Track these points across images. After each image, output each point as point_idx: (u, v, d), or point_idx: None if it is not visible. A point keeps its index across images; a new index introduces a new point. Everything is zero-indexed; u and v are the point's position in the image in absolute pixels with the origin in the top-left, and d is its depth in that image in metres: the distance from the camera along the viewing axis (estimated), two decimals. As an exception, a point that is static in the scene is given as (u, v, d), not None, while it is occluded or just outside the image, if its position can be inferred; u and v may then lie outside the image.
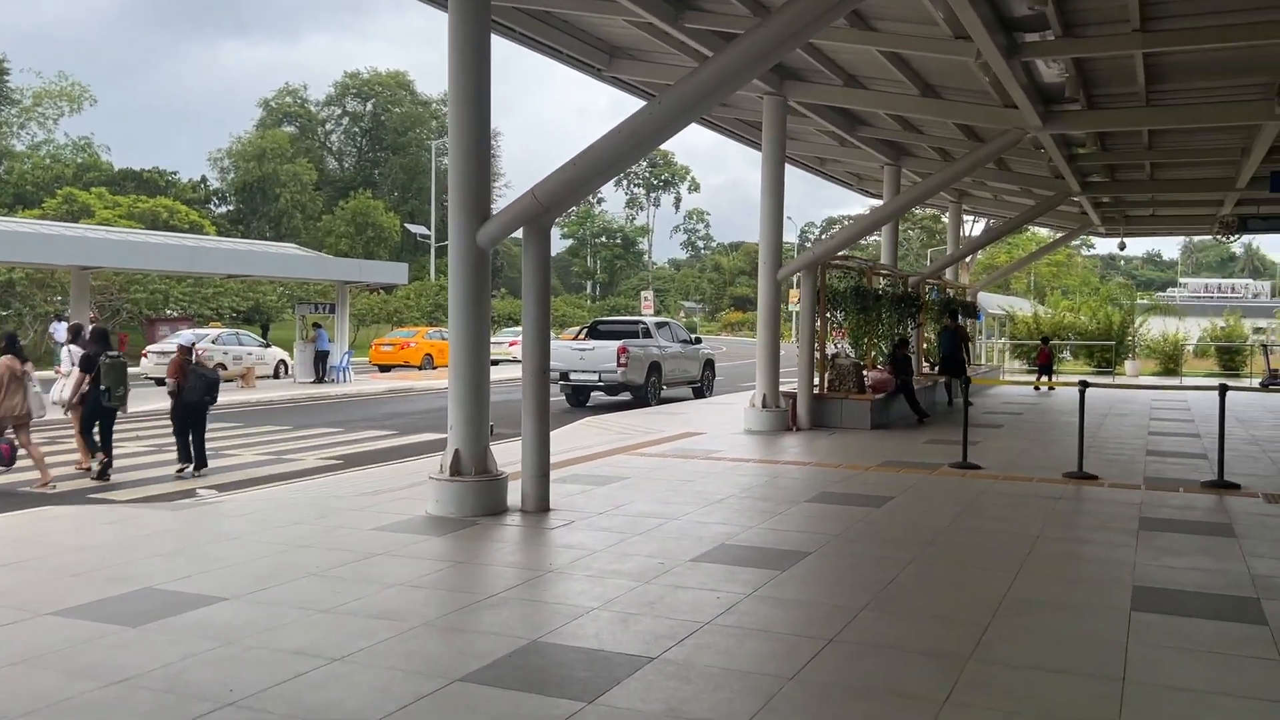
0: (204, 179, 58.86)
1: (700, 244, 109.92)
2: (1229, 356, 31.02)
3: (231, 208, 59.91)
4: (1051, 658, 4.69)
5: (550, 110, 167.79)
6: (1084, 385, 10.41)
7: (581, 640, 4.90)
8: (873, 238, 37.68)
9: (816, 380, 14.83)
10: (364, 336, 42.68)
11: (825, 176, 24.29)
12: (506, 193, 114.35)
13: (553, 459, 10.81)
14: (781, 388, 14.45)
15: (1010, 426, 14.96)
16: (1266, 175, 16.40)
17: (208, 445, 11.62)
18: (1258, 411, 17.57)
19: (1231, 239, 21.18)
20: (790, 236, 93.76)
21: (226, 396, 21.28)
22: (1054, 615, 5.36)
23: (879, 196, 29.02)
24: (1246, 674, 4.51)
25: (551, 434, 14.69)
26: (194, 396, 11.19)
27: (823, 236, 78.34)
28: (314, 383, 25.20)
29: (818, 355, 14.79)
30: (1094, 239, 44.32)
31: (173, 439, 11.50)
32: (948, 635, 5.01)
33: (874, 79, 13.61)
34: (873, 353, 17.03)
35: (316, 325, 25.86)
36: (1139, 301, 36.56)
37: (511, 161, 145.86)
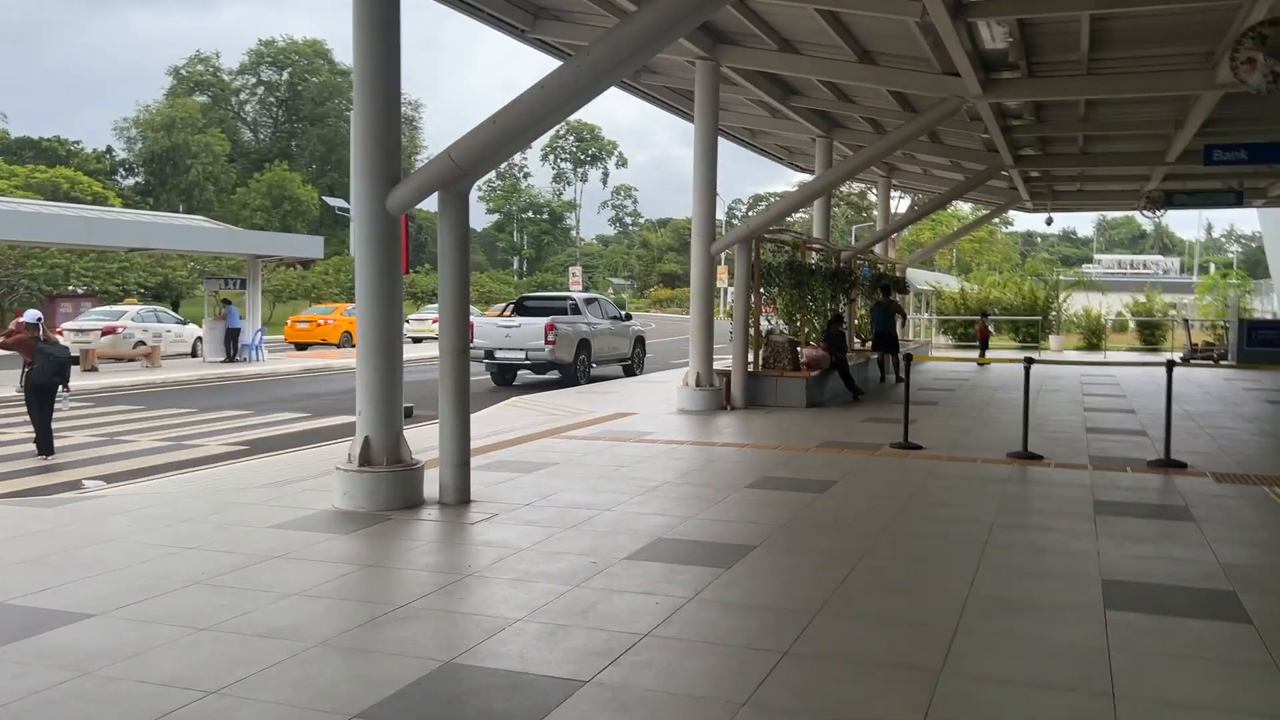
0: (109, 149, 56.13)
1: (628, 220, 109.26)
2: (1149, 331, 31.52)
3: (140, 180, 57.25)
4: (1030, 669, 4.20)
5: (476, 84, 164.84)
6: (1029, 362, 10.06)
7: (503, 660, 4.27)
8: (801, 214, 37.47)
9: (751, 358, 14.35)
10: (281, 314, 41.15)
11: (756, 149, 23.81)
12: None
13: (475, 444, 10.13)
14: (715, 365, 13.93)
15: (946, 404, 14.68)
16: (1198, 149, 16.34)
17: (87, 428, 10.65)
18: (1185, 386, 17.64)
19: (1158, 214, 21.31)
20: (718, 214, 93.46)
21: (130, 377, 20.09)
22: (1024, 617, 4.90)
23: (809, 171, 28.74)
24: (1248, 685, 4.08)
25: (475, 416, 14.00)
26: (43, 378, 10.28)
27: (749, 214, 78.20)
28: (224, 362, 23.99)
29: (752, 332, 14.30)
30: (1013, 215, 44.92)
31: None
32: (914, 644, 4.50)
33: (810, 44, 13.08)
34: (806, 329, 16.63)
35: (226, 302, 24.60)
36: (1063, 277, 37.04)
37: (436, 136, 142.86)
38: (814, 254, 17.77)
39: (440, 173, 7.07)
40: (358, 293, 7.38)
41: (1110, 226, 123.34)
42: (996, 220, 50.56)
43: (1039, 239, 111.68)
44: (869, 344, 18.85)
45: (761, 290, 14.75)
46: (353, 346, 31.26)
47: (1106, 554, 6.09)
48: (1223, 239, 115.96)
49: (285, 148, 71.68)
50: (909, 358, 10.72)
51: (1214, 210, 24.19)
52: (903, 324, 18.68)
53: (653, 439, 10.87)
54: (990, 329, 25.28)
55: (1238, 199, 20.82)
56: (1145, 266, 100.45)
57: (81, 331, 22.80)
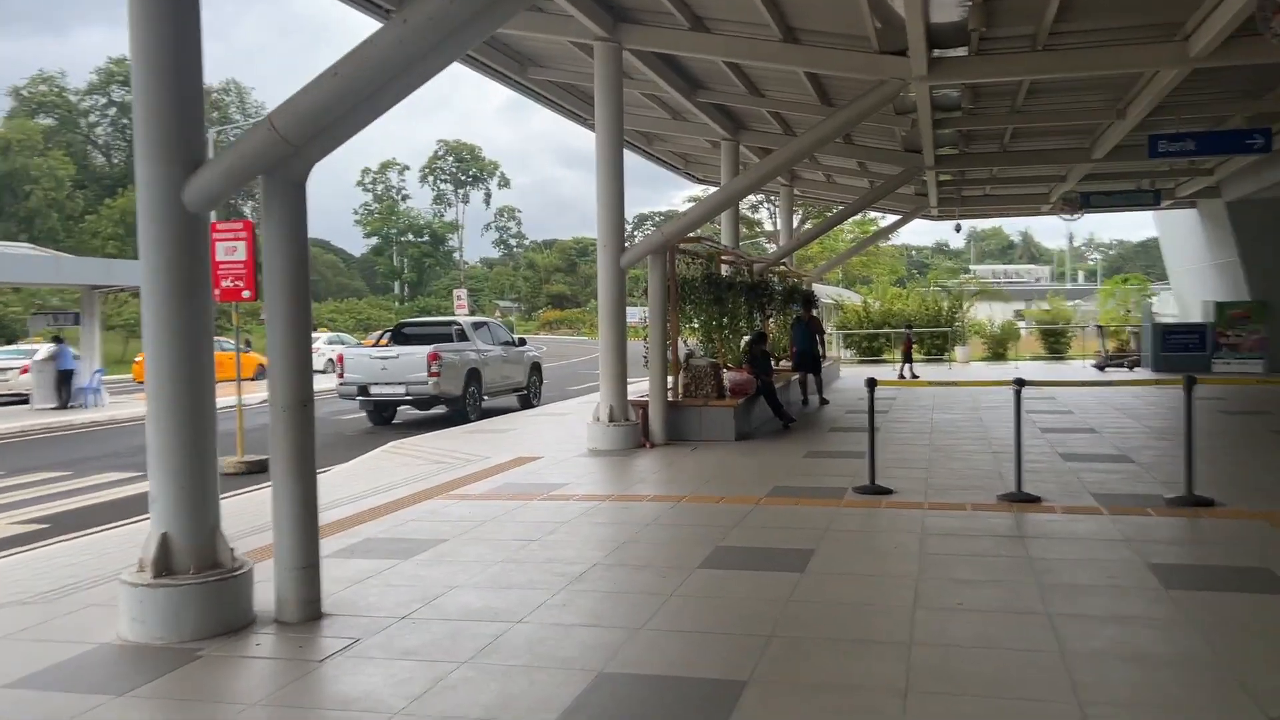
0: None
1: (512, 242, 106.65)
2: (1054, 339, 30.94)
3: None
4: None
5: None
6: (1020, 384, 8.39)
7: None
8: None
9: (670, 385, 12.43)
10: (135, 349, 37.38)
11: (651, 157, 22.04)
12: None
13: (339, 512, 7.89)
14: (629, 396, 11.97)
15: (887, 430, 13.01)
16: (1133, 144, 15.27)
17: None
18: (1125, 398, 16.51)
19: (1074, 217, 20.39)
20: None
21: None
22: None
23: (706, 181, 27.22)
24: None
25: (342, 469, 11.65)
26: None
27: (635, 234, 76.64)
28: (56, 409, 20.81)
29: (670, 356, 12.38)
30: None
31: None
32: None
33: (726, 21, 11.31)
34: (723, 351, 14.83)
35: (57, 339, 21.42)
36: (966, 287, 36.47)
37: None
38: (726, 266, 16.04)
39: (260, 149, 4.90)
40: (144, 325, 5.12)
41: (980, 237, 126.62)
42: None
43: (912, 252, 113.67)
44: (789, 364, 17.17)
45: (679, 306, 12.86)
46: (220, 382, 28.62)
47: (1258, 678, 4.32)
48: (1083, 247, 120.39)
49: (141, 171, 66.76)
50: (871, 381, 8.94)
51: (1127, 211, 23.60)
52: (822, 340, 17.06)
53: (565, 493, 8.80)
54: (913, 341, 24.13)
55: (1155, 199, 20.05)
56: (1019, 276, 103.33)
57: None
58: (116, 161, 69.20)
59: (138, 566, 5.08)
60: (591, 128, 17.85)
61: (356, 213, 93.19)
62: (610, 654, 4.58)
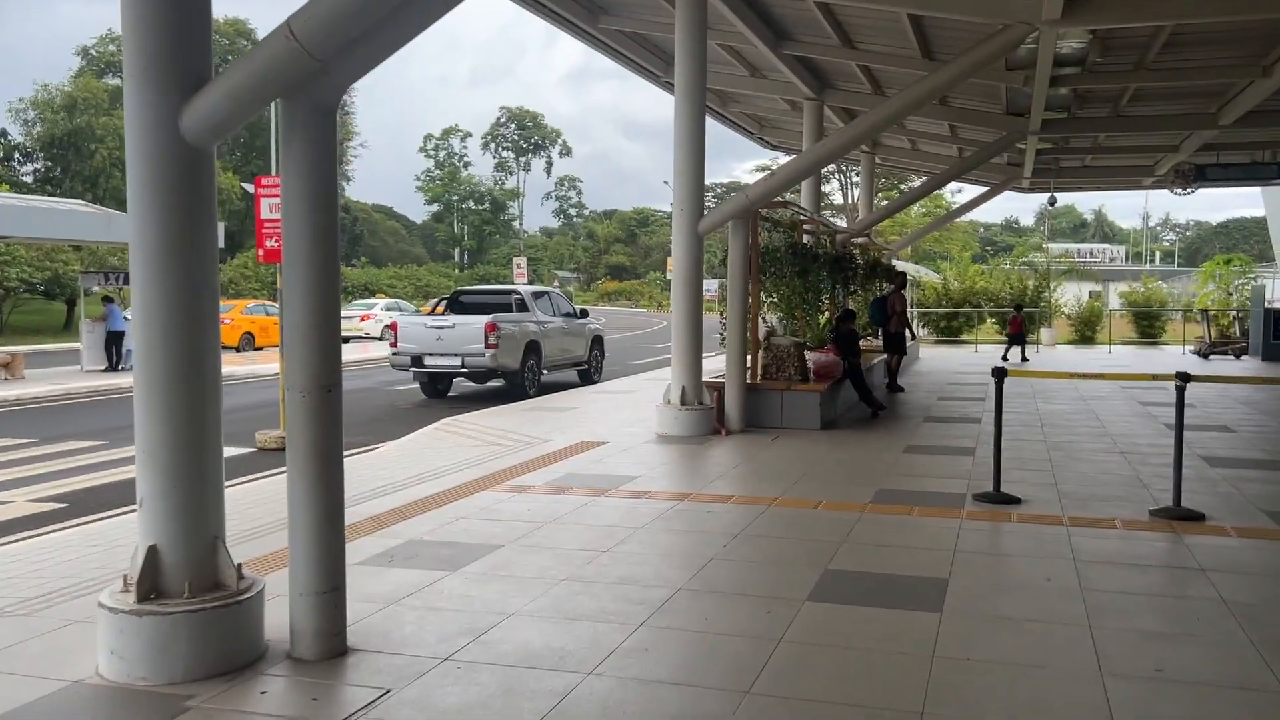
0: (4, 132, 51.15)
1: (572, 212, 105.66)
2: (1147, 323, 29.02)
3: (39, 166, 52.33)
4: None
5: (415, 80, 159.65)
6: (1184, 379, 7.07)
7: None
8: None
9: (748, 366, 11.25)
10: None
11: (724, 119, 20.72)
12: (362, 153, 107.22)
13: (380, 503, 6.88)
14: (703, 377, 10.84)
15: (991, 422, 11.69)
16: (1267, 109, 13.64)
17: None
18: (1239, 389, 14.95)
19: (1187, 191, 18.68)
20: (665, 205, 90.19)
21: (-27, 394, 16.36)
22: None
23: (779, 147, 25.78)
24: None
25: (391, 447, 10.70)
26: None
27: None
28: (105, 371, 20.27)
29: (750, 334, 11.19)
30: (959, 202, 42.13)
31: None
32: None
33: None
34: (803, 328, 13.59)
35: (107, 300, 20.87)
36: (1054, 265, 34.47)
37: (373, 130, 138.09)
38: (805, 235, 14.77)
39: (277, 63, 3.82)
40: (132, 285, 4.11)
41: (1051, 215, 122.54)
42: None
43: (981, 228, 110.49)
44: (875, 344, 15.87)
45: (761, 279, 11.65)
46: (255, 349, 27.86)
47: None
48: (1159, 228, 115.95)
49: (206, 133, 66.83)
50: (1000, 372, 7.68)
51: (1244, 186, 21.62)
52: (907, 319, 15.72)
53: (636, 489, 7.71)
54: (1024, 322, 22.68)
55: (1277, 172, 18.24)
56: (1093, 255, 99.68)
57: None
58: (182, 123, 69.34)
59: (121, 584, 4.10)
60: (662, 84, 16.78)
61: (418, 179, 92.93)
62: (713, 733, 3.48)
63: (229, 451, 10.74)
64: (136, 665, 3.92)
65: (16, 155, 51.52)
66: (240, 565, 4.25)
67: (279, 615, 4.30)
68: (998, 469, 7.37)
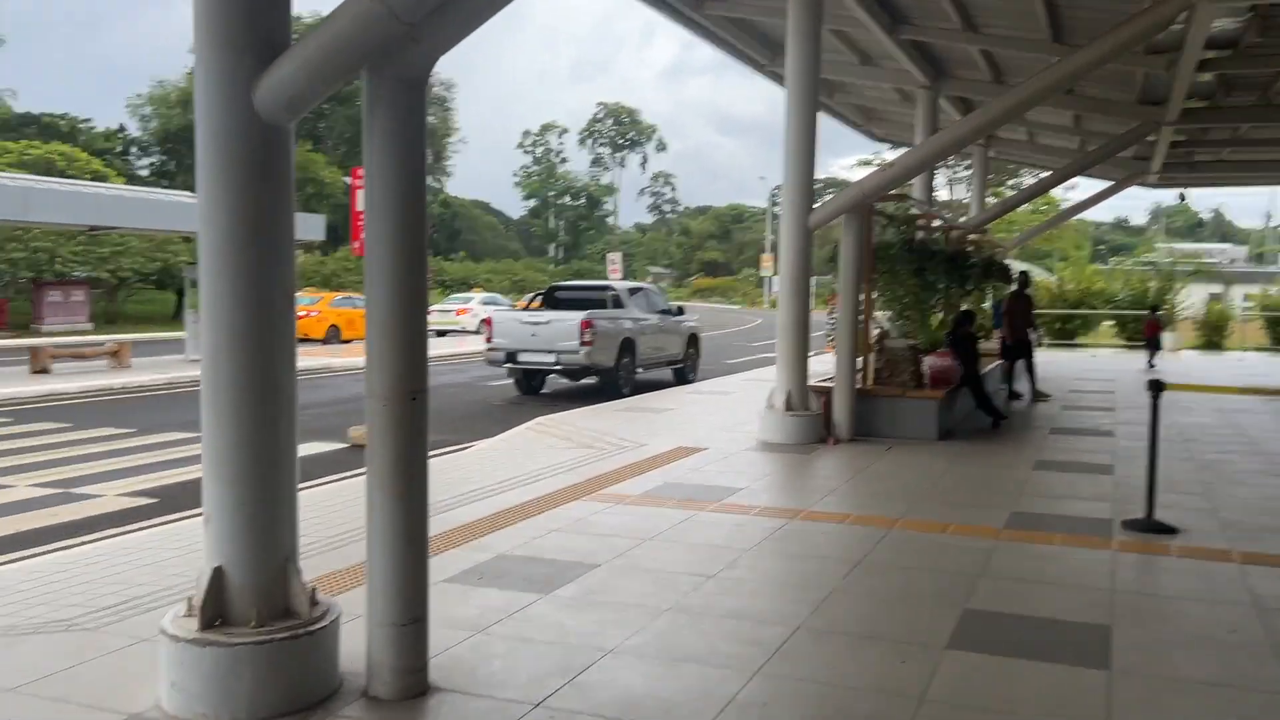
0: (122, 127, 53.04)
1: (666, 209, 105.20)
2: (1278, 328, 27.07)
3: (155, 160, 54.12)
4: None
5: (514, 74, 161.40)
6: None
7: None
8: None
9: (859, 369, 10.55)
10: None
11: (829, 111, 19.88)
12: (463, 148, 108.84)
13: (471, 510, 6.45)
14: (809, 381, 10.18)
15: (1126, 435, 10.76)
16: None
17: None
18: None
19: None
20: (759, 201, 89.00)
21: (84, 381, 16.64)
22: None
23: (886, 139, 24.78)
24: None
25: (483, 447, 10.32)
26: None
27: (777, 204, 73.59)
28: (208, 361, 20.52)
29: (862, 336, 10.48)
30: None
31: None
32: None
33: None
34: (916, 330, 12.77)
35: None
36: (1179, 266, 32.54)
37: (472, 123, 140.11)
38: (918, 230, 13.92)
39: (360, 28, 3.36)
40: (200, 275, 3.72)
41: (1166, 214, 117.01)
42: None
43: (1092, 227, 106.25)
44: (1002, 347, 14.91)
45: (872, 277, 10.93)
46: (342, 342, 28.04)
47: None
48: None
49: (312, 129, 68.43)
50: (1157, 385, 6.88)
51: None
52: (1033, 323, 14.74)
53: (741, 503, 7.13)
54: (1160, 325, 21.35)
55: None
56: (1210, 255, 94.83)
57: None
58: (307, 116, 71.25)
59: (185, 608, 3.71)
60: (766, 73, 16.11)
61: (516, 175, 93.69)
62: (855, 826, 2.89)
63: (320, 447, 10.57)
64: (197, 701, 3.52)
65: (134, 149, 53.33)
66: (314, 589, 3.83)
67: (360, 641, 3.86)
68: (1151, 493, 6.57)
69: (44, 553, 6.18)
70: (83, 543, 6.46)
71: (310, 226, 21.70)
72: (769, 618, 4.66)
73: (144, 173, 52.78)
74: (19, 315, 30.05)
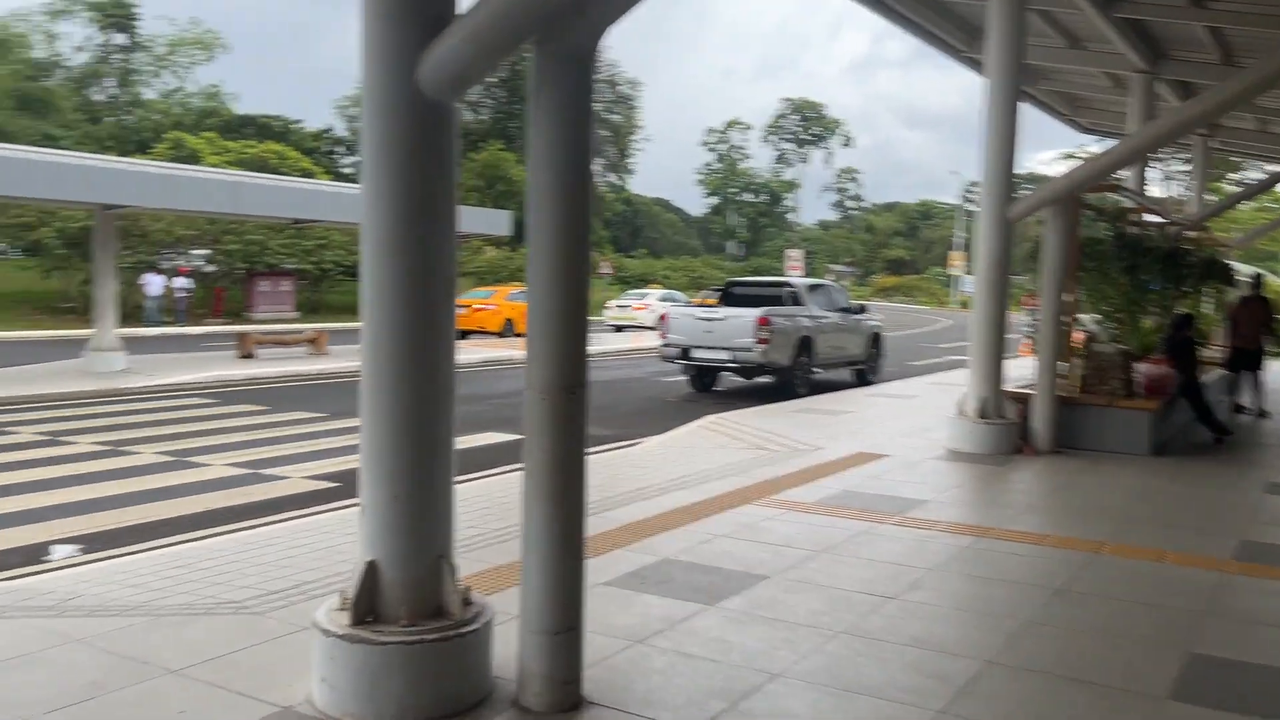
0: (330, 128, 56.46)
1: (849, 205, 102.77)
2: None
3: (358, 158, 57.41)
4: None
5: (697, 73, 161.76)
6: None
7: None
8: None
9: (1061, 375, 9.71)
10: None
11: (1031, 99, 18.60)
12: (646, 146, 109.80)
13: (637, 509, 6.26)
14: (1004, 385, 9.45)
15: (1374, 457, 9.48)
16: None
17: (176, 438, 7.59)
18: None
19: None
20: (949, 196, 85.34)
21: (284, 366, 17.61)
22: None
23: (1093, 130, 23.08)
24: None
25: (654, 443, 10.13)
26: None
27: (969, 199, 70.23)
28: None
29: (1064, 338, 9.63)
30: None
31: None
32: None
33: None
34: (1124, 333, 11.69)
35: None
36: None
37: (656, 122, 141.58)
38: (1130, 225, 12.76)
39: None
40: (362, 263, 3.62)
41: None
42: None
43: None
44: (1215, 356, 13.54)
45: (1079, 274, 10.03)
46: (516, 335, 28.53)
47: None
48: None
49: (503, 128, 70.75)
50: None
51: None
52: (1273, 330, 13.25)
53: (925, 517, 6.60)
54: None
55: None
56: None
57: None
58: (483, 117, 73.85)
59: (339, 601, 3.62)
60: (964, 59, 15.21)
61: (698, 172, 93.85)
62: None
63: (499, 437, 10.66)
64: (347, 699, 3.41)
65: (339, 148, 56.61)
66: (468, 589, 3.67)
67: (514, 644, 3.67)
68: None
69: (227, 532, 6.38)
70: (264, 524, 6.65)
71: (496, 221, 22.22)
72: (955, 648, 4.19)
73: (347, 170, 55.92)
74: (234, 304, 32.34)
